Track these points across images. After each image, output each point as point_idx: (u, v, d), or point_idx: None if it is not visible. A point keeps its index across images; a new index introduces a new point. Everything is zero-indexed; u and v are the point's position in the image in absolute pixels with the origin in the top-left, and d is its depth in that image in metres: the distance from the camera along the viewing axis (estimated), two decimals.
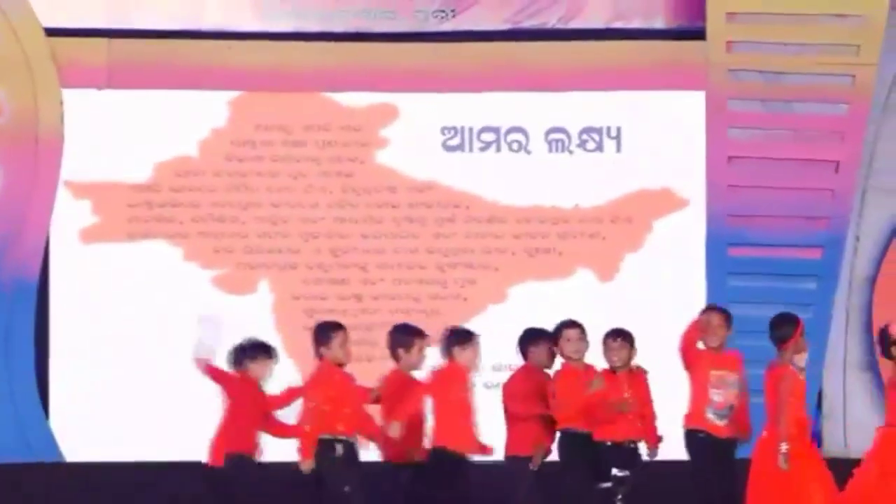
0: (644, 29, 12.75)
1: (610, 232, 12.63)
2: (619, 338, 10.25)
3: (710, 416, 9.80)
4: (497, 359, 11.40)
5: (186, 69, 12.56)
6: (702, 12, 12.42)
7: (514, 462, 10.08)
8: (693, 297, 12.11)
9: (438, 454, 9.74)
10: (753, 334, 10.35)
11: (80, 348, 12.38)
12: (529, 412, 10.00)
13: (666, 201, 12.66)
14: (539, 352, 10.17)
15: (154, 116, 12.53)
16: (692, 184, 12.57)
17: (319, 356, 9.94)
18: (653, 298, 12.32)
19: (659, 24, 12.76)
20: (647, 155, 12.67)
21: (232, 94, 12.61)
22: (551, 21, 12.72)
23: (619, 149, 12.71)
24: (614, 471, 9.61)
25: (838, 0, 12.41)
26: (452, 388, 9.86)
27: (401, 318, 11.88)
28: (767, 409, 9.64)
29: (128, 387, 12.39)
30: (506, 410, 10.18)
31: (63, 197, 12.42)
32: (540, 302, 12.35)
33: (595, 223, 12.66)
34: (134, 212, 12.50)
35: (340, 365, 9.82)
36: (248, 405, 10.01)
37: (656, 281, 12.53)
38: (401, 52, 12.64)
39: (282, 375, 11.73)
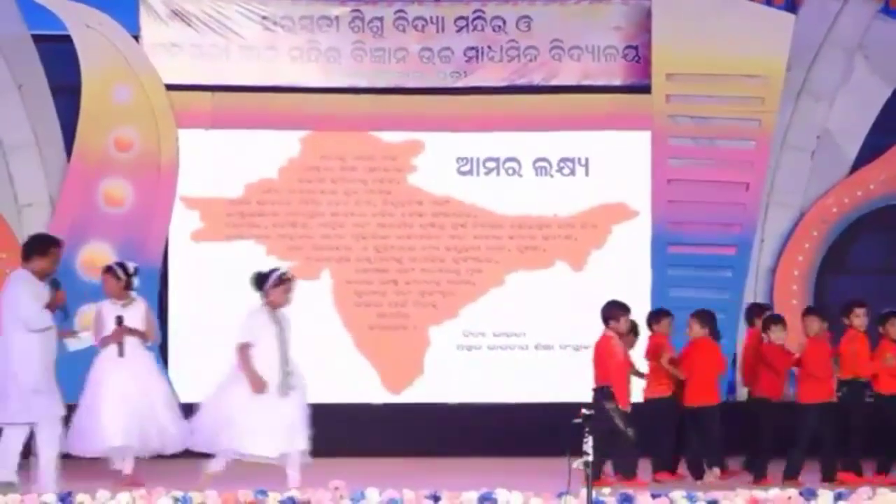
0: (605, 85, 13.69)
1: (580, 234, 13.72)
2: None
3: None
4: (498, 327, 13.24)
5: (269, 114, 13.52)
6: (648, 73, 13.46)
7: (759, 402, 11.34)
8: (642, 283, 13.46)
9: None
10: (685, 309, 11.90)
11: (190, 318, 13.42)
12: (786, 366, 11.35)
13: (622, 212, 13.74)
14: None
15: (245, 149, 13.58)
16: (641, 199, 13.65)
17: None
18: (612, 283, 13.22)
19: (617, 81, 13.71)
20: (608, 178, 13.75)
21: (302, 133, 13.64)
22: (536, 79, 13.71)
23: (587, 173, 13.78)
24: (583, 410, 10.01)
25: (748, 64, 13.30)
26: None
27: (426, 299, 13.56)
28: None
29: (224, 345, 11.36)
30: (768, 365, 11.28)
31: (178, 208, 13.48)
32: (529, 286, 13.53)
33: (569, 228, 13.75)
34: (230, 219, 13.56)
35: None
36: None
37: (614, 270, 13.60)
38: (426, 102, 13.66)
39: (335, 343, 13.26)
